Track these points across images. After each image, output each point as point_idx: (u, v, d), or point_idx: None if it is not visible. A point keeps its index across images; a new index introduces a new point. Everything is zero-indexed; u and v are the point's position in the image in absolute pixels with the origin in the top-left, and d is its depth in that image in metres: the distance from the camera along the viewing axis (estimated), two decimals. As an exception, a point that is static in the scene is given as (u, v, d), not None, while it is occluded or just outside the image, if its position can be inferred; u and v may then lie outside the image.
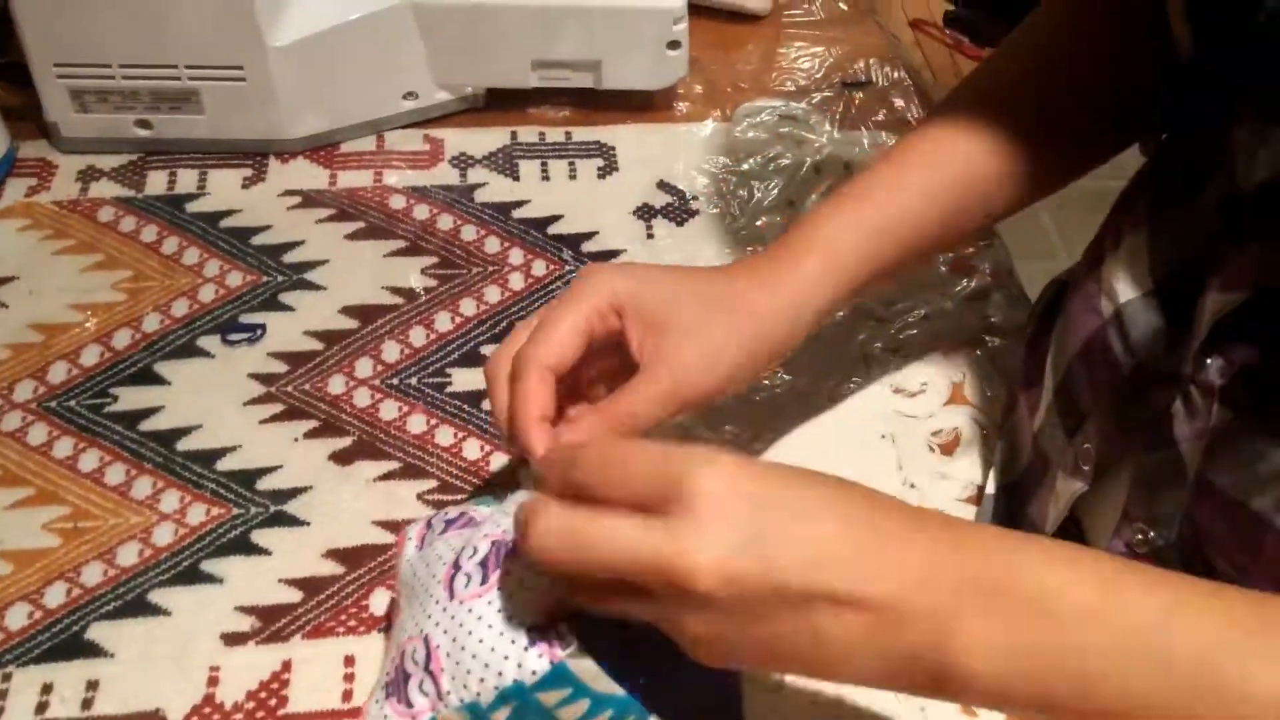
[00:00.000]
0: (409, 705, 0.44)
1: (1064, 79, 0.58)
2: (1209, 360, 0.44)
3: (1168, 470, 0.46)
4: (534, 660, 0.42)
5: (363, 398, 0.65)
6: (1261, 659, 0.35)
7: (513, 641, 0.42)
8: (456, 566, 0.46)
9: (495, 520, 0.47)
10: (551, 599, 0.42)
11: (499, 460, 0.62)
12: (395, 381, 0.66)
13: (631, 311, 0.49)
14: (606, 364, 0.52)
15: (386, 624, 0.55)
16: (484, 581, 0.44)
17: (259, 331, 0.67)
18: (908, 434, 0.66)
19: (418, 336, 0.68)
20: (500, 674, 0.42)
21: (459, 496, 0.61)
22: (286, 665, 0.54)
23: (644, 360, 0.49)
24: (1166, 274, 0.49)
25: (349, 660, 0.54)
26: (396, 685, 0.45)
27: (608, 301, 0.49)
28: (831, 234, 0.54)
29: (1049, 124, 0.57)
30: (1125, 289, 0.50)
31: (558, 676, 0.42)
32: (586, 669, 0.42)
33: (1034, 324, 0.64)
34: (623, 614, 0.41)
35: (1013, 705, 0.39)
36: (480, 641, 0.43)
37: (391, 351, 0.67)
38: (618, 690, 0.42)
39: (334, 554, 0.58)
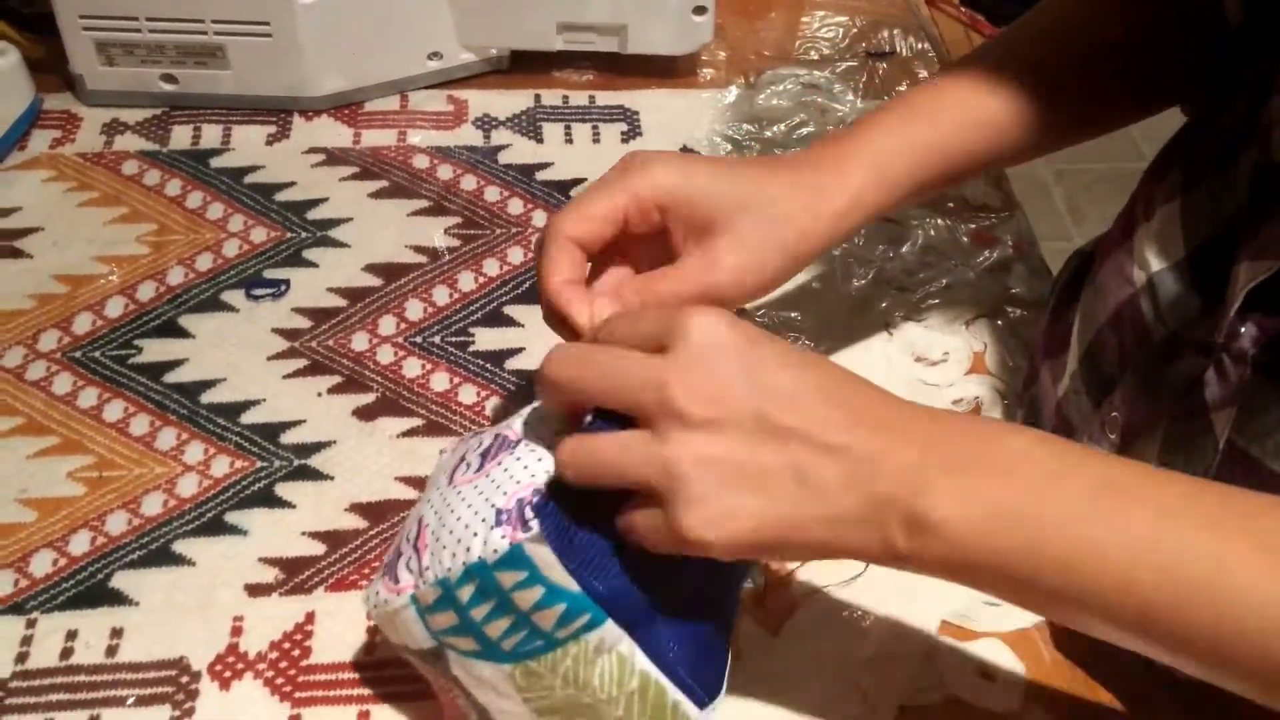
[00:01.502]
0: (395, 581, 0.45)
1: (1089, 40, 0.57)
2: (1242, 328, 0.44)
3: (1198, 438, 0.46)
4: (496, 539, 0.42)
5: (386, 355, 0.65)
6: (1209, 533, 0.37)
7: (484, 520, 0.43)
8: (463, 458, 0.47)
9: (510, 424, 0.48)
10: (530, 488, 0.43)
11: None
12: (418, 339, 0.66)
13: (674, 211, 0.49)
14: (652, 255, 0.52)
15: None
16: (479, 469, 0.45)
17: (283, 287, 0.67)
18: (929, 402, 0.65)
19: (441, 295, 0.68)
20: (468, 550, 0.43)
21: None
22: (310, 617, 0.54)
23: (684, 257, 0.50)
24: (1199, 244, 0.49)
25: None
26: (390, 564, 0.46)
27: (650, 196, 0.49)
28: (880, 148, 0.54)
29: (1073, 80, 0.57)
30: (1157, 258, 0.50)
31: (514, 558, 0.42)
32: (543, 556, 0.42)
33: (1057, 294, 0.64)
34: (615, 479, 0.41)
35: (971, 574, 0.41)
36: (458, 519, 0.44)
37: (415, 310, 0.67)
38: (573, 585, 0.42)
39: (357, 508, 0.58)
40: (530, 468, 0.44)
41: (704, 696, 0.45)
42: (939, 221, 0.75)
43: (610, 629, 0.42)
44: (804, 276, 0.71)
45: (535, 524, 0.42)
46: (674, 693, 0.44)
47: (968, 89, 0.56)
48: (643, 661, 0.43)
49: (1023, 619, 0.56)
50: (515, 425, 0.47)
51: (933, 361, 0.68)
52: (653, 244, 0.51)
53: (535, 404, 0.47)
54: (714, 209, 0.50)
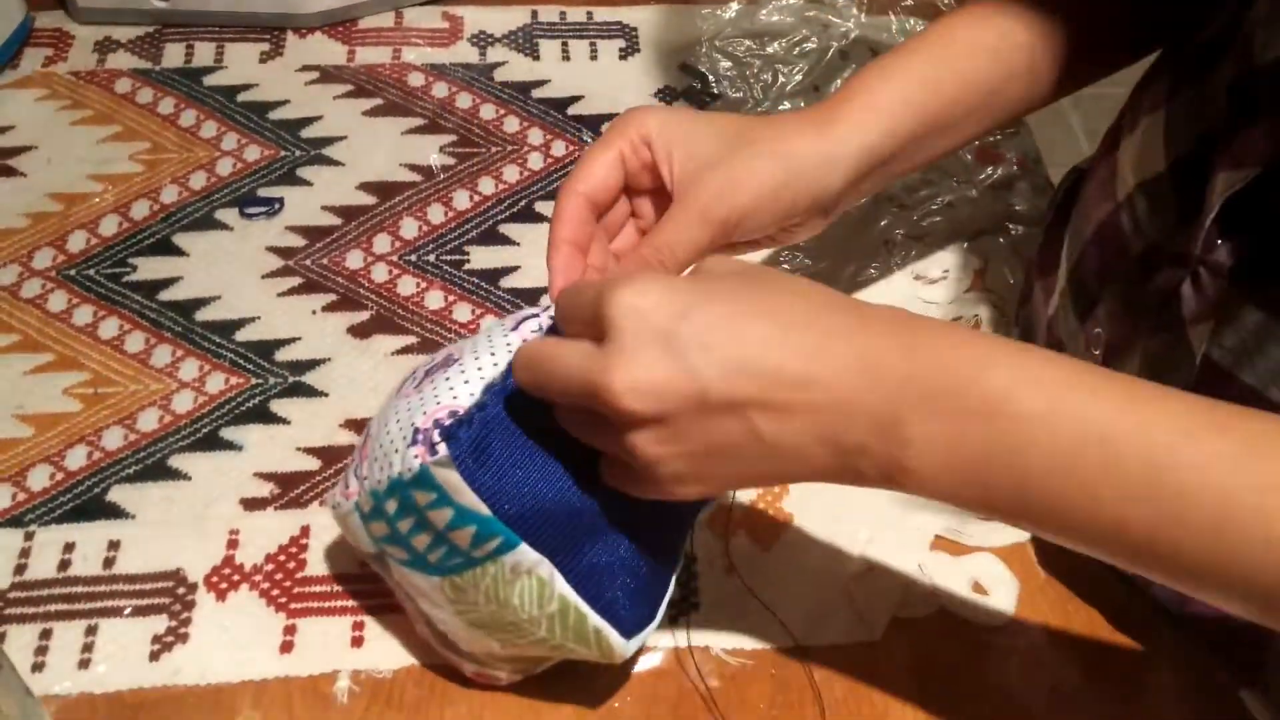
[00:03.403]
0: (347, 486, 0.47)
1: None
2: (1219, 241, 0.44)
3: (1175, 351, 0.46)
4: (410, 458, 0.43)
5: (380, 273, 0.65)
6: (1207, 457, 0.36)
7: (404, 438, 0.43)
8: (414, 371, 0.48)
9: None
10: (447, 410, 0.43)
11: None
12: (413, 258, 0.65)
13: (660, 143, 0.49)
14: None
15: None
16: (418, 385, 0.46)
17: (277, 205, 0.67)
18: (928, 320, 0.65)
19: (436, 214, 0.68)
20: (391, 465, 0.44)
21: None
22: (305, 530, 0.55)
23: (675, 191, 0.49)
24: (1180, 155, 0.48)
25: (366, 527, 0.55)
26: (347, 468, 0.48)
27: (639, 134, 0.49)
28: (873, 83, 0.53)
29: (1088, 15, 0.55)
30: (1139, 171, 0.50)
31: (424, 479, 0.43)
32: (449, 479, 0.42)
33: (1053, 212, 0.63)
34: (600, 446, 0.42)
35: (957, 504, 0.39)
36: (388, 434, 0.45)
37: (410, 228, 0.67)
38: (483, 509, 0.42)
39: (352, 424, 0.58)
40: (455, 389, 0.44)
41: (630, 626, 0.45)
42: (942, 139, 0.74)
43: (526, 552, 0.43)
44: (803, 194, 0.70)
45: (442, 448, 0.42)
46: (595, 619, 0.44)
47: (973, 24, 0.54)
48: (562, 586, 0.43)
49: (1016, 534, 0.56)
50: (464, 344, 0.47)
51: (932, 279, 0.67)
52: (661, 199, 0.51)
53: (491, 322, 0.47)
54: (694, 138, 0.49)
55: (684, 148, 0.49)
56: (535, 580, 0.43)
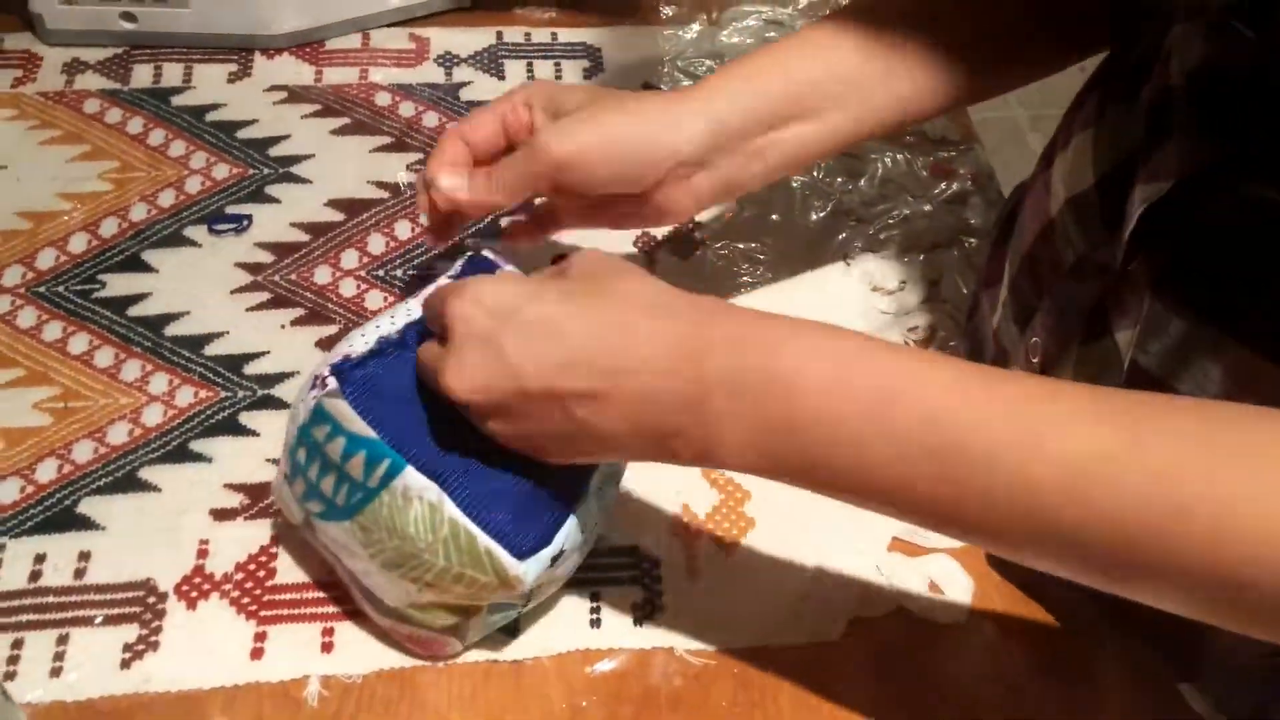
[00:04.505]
0: (279, 464, 0.52)
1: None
2: (1138, 252, 0.46)
3: (1105, 360, 0.48)
4: (309, 400, 0.48)
5: (349, 288, 0.66)
6: (981, 416, 0.39)
7: (307, 387, 0.49)
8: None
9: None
10: (342, 355, 0.49)
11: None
12: (381, 273, 0.66)
13: (537, 102, 0.56)
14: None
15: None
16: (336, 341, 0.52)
17: (245, 222, 0.68)
18: (885, 330, 0.67)
19: (402, 230, 0.69)
20: (298, 417, 0.49)
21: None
22: (274, 540, 0.55)
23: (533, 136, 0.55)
24: (1105, 171, 0.50)
25: (335, 535, 0.55)
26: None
27: (522, 98, 0.56)
28: (735, 66, 0.57)
29: (979, 24, 0.58)
30: (1069, 187, 0.52)
31: (318, 414, 0.48)
32: (339, 409, 0.47)
33: (999, 227, 0.65)
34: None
35: (763, 475, 0.43)
36: (299, 397, 0.50)
37: (377, 244, 0.68)
38: (369, 432, 0.47)
39: (320, 436, 0.59)
40: (353, 344, 0.49)
41: (521, 548, 0.47)
42: (898, 155, 0.76)
43: (413, 475, 0.46)
44: (763, 209, 0.72)
45: (332, 381, 0.48)
46: (484, 539, 0.46)
47: (848, 21, 0.57)
48: (451, 509, 0.46)
49: (971, 535, 0.57)
50: (391, 310, 0.52)
51: (889, 290, 0.69)
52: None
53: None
54: (565, 98, 0.56)
55: (555, 106, 0.55)
56: (426, 506, 0.46)
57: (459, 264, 0.53)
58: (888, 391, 0.40)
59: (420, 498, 0.46)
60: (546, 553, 0.47)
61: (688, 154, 0.54)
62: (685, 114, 0.54)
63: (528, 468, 0.47)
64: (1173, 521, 0.36)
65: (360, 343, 0.49)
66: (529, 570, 0.47)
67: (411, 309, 0.51)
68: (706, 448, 0.43)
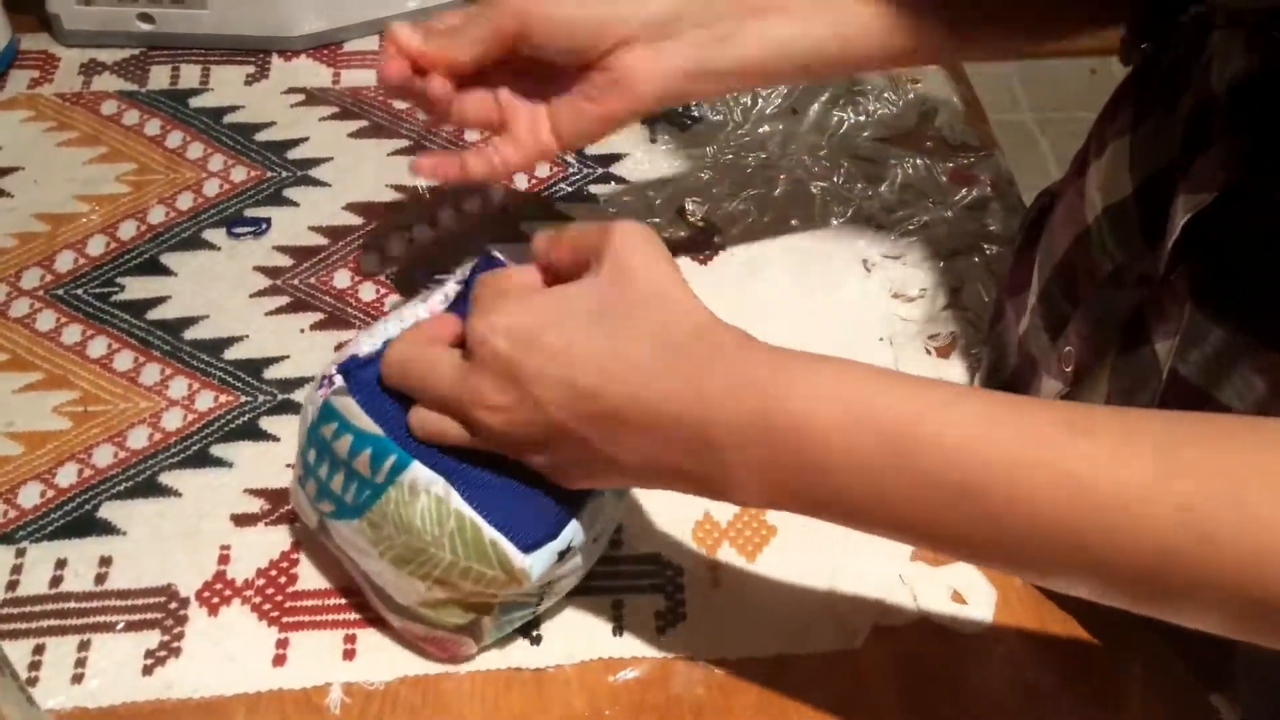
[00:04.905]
0: (296, 467, 0.52)
1: None
2: (1181, 262, 0.45)
3: (1143, 369, 0.48)
4: (317, 400, 0.49)
5: (368, 292, 0.65)
6: (1003, 453, 0.38)
7: (316, 388, 0.50)
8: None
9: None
10: (349, 354, 0.49)
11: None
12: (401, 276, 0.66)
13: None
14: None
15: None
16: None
17: (264, 225, 0.68)
18: (905, 337, 0.67)
19: (421, 233, 0.69)
20: (308, 418, 0.50)
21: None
22: (296, 545, 0.55)
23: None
24: (1144, 180, 0.49)
25: (357, 541, 0.55)
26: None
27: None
28: None
29: None
30: (1106, 195, 0.51)
31: (327, 412, 0.49)
32: (346, 405, 0.48)
33: (1023, 233, 0.65)
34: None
35: (777, 509, 0.44)
36: (310, 388, 0.51)
37: (396, 247, 0.68)
38: (375, 428, 0.47)
39: (341, 441, 0.59)
40: (360, 345, 0.49)
41: (526, 540, 0.47)
42: (917, 161, 0.76)
43: (420, 469, 0.46)
44: (782, 214, 0.72)
45: (339, 379, 0.48)
46: (489, 531, 0.46)
47: None
48: (457, 501, 0.46)
49: (994, 544, 0.57)
50: (399, 311, 0.52)
51: (909, 298, 0.69)
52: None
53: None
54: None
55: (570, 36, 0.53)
56: (433, 499, 0.46)
57: (469, 268, 0.53)
58: (905, 429, 0.40)
59: (427, 491, 0.46)
60: (553, 546, 0.47)
61: (655, 11, 0.53)
62: (676, 21, 0.53)
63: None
64: (1201, 549, 0.36)
65: (368, 344, 0.50)
66: (535, 564, 0.47)
67: (419, 311, 0.51)
68: (721, 489, 0.43)
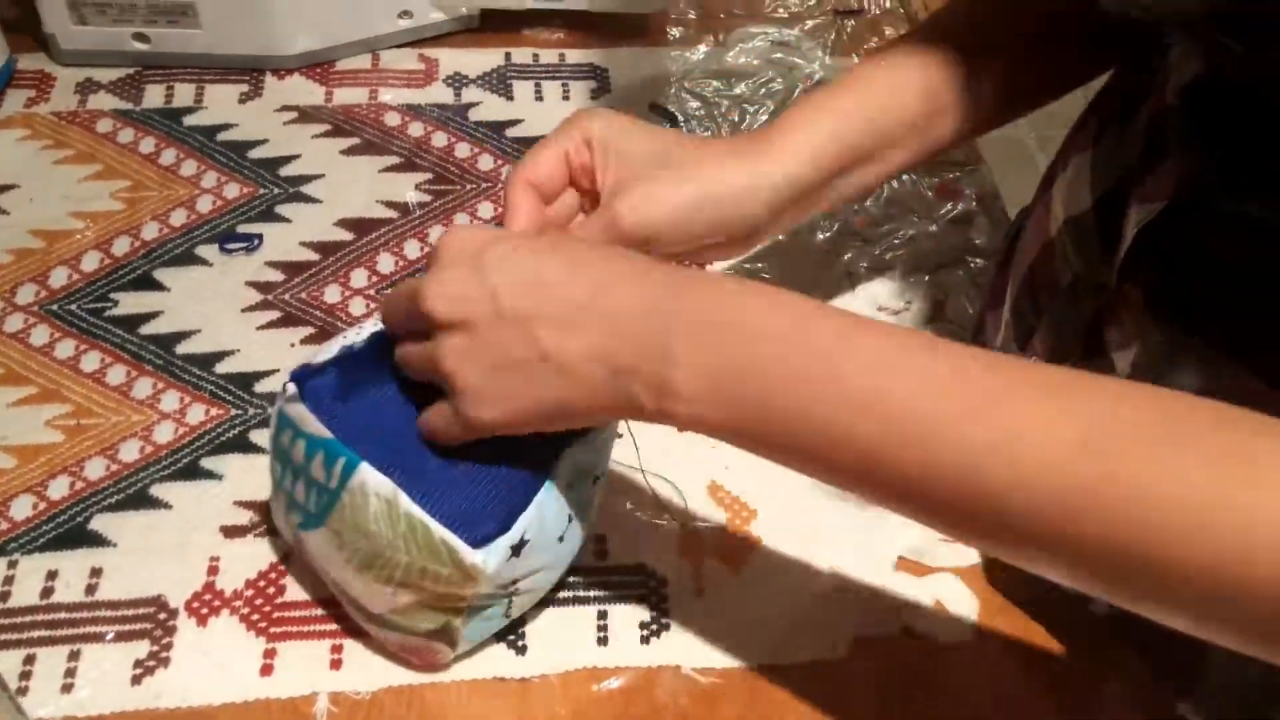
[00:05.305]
0: None
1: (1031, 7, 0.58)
2: (1134, 271, 0.46)
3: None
4: (275, 413, 0.51)
5: (358, 307, 0.66)
6: (924, 378, 0.39)
7: (275, 400, 0.51)
8: None
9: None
10: (304, 365, 0.50)
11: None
12: (390, 292, 0.67)
13: (599, 146, 0.54)
14: None
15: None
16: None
17: (256, 241, 0.69)
18: (890, 349, 0.67)
19: (412, 249, 0.69)
20: (271, 427, 0.51)
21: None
22: (285, 556, 0.56)
23: (601, 191, 0.53)
24: (1103, 192, 0.50)
25: (344, 552, 0.56)
26: None
27: (582, 135, 0.54)
28: (800, 118, 0.55)
29: (1016, 51, 0.58)
30: (1068, 207, 0.52)
31: (281, 421, 0.50)
32: (297, 412, 0.49)
33: (1004, 248, 0.66)
34: (418, 367, 0.47)
35: (710, 425, 0.43)
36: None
37: (386, 263, 0.68)
38: (325, 432, 0.48)
39: (330, 453, 0.60)
40: (321, 355, 0.51)
41: (476, 536, 0.47)
42: (903, 175, 0.77)
43: (368, 471, 0.47)
44: (769, 229, 0.72)
45: (291, 387, 0.49)
46: (439, 530, 0.47)
47: (900, 63, 0.57)
48: (406, 503, 0.47)
49: (975, 556, 0.58)
50: (358, 325, 0.53)
51: (895, 310, 0.70)
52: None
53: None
54: (630, 146, 0.53)
55: (619, 156, 0.53)
56: (383, 502, 0.47)
57: None
58: (845, 343, 0.41)
59: (377, 494, 0.47)
60: (504, 540, 0.47)
61: (760, 219, 0.54)
62: (763, 184, 0.53)
63: (483, 455, 0.47)
64: (1101, 485, 0.36)
65: (323, 354, 0.51)
66: (488, 559, 0.47)
67: (379, 322, 0.51)
68: (664, 393, 0.42)
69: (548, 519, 0.49)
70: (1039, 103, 0.60)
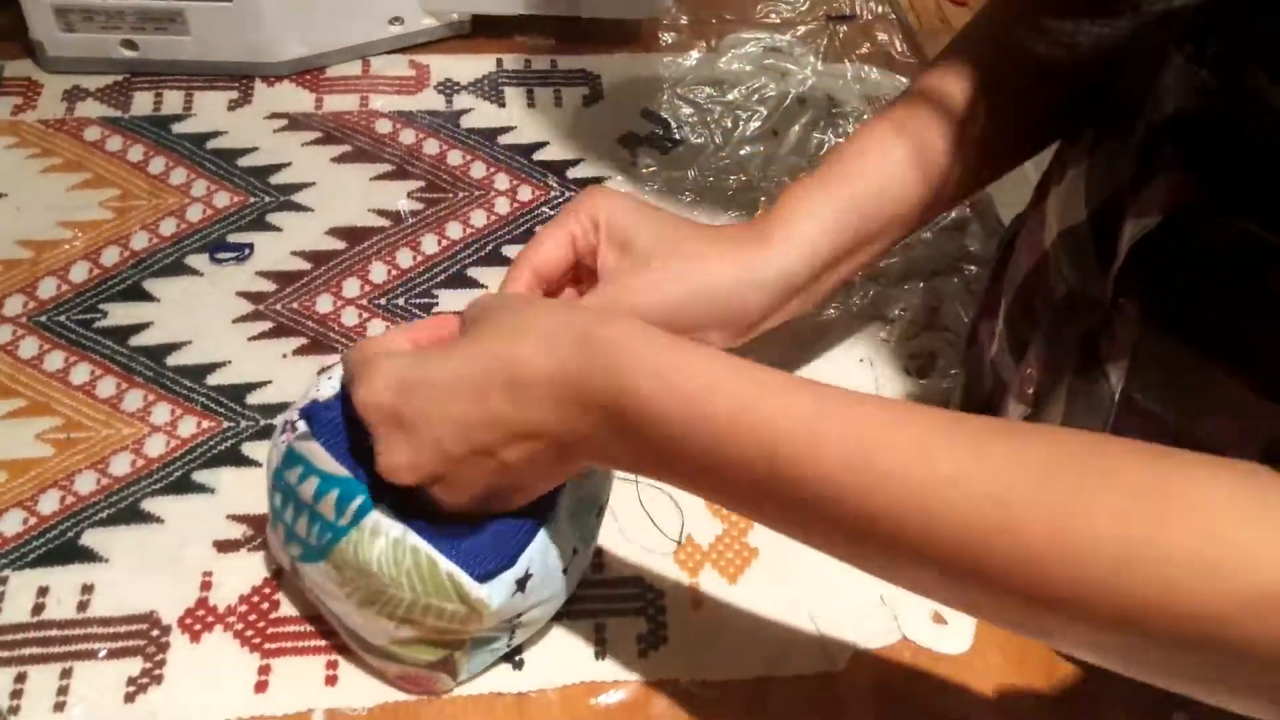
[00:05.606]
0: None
1: (1017, 66, 0.57)
2: (1129, 286, 0.46)
3: (1097, 392, 0.48)
4: (280, 445, 0.50)
5: (350, 317, 0.66)
6: (835, 425, 0.39)
7: (279, 432, 0.51)
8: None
9: None
10: (311, 400, 0.50)
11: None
12: (383, 301, 0.67)
13: (605, 228, 0.54)
14: None
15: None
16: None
17: (247, 251, 0.68)
18: (885, 357, 0.67)
19: (404, 258, 0.69)
20: (273, 460, 0.51)
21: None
22: (278, 572, 0.55)
23: (600, 274, 0.54)
24: (1098, 206, 0.50)
25: (339, 567, 0.55)
26: None
27: (589, 216, 0.54)
28: (795, 209, 0.56)
29: (1008, 111, 0.58)
30: (1062, 220, 0.52)
31: (290, 457, 0.49)
32: (312, 450, 0.48)
33: (998, 257, 0.65)
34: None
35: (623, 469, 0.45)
36: (274, 434, 0.51)
37: (379, 272, 0.68)
38: (342, 470, 0.47)
39: (323, 466, 0.59)
40: (321, 388, 0.50)
41: (480, 570, 0.47)
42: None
43: (383, 511, 0.47)
44: (763, 236, 0.72)
45: (302, 424, 0.49)
46: (446, 565, 0.46)
47: (886, 139, 0.57)
48: (414, 539, 0.46)
49: (974, 564, 0.58)
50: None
51: (889, 318, 0.69)
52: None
53: None
54: (635, 232, 0.54)
55: (622, 242, 0.54)
56: (391, 541, 0.46)
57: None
58: (708, 390, 0.41)
59: (385, 534, 0.46)
60: (510, 575, 0.47)
61: (756, 313, 0.55)
62: (759, 280, 0.54)
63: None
64: (1007, 538, 0.36)
65: (327, 387, 0.50)
66: (493, 594, 0.47)
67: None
68: (599, 457, 0.44)
69: (552, 553, 0.49)
70: (1036, 152, 0.61)
